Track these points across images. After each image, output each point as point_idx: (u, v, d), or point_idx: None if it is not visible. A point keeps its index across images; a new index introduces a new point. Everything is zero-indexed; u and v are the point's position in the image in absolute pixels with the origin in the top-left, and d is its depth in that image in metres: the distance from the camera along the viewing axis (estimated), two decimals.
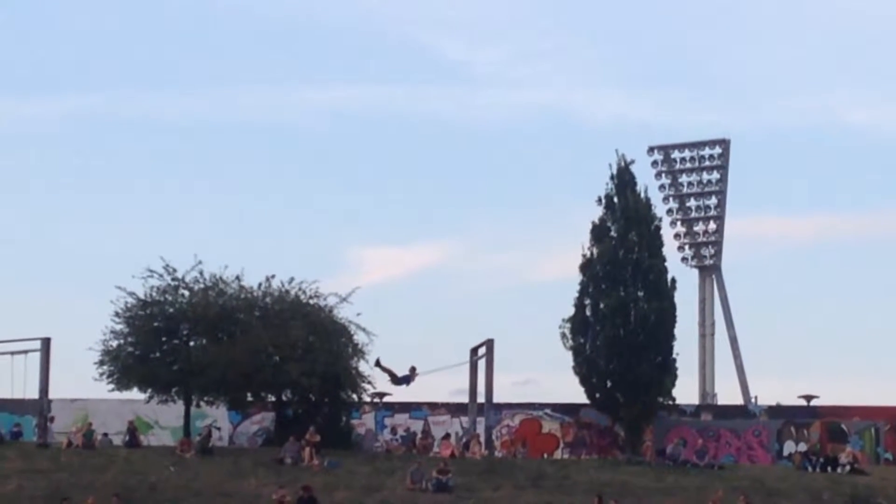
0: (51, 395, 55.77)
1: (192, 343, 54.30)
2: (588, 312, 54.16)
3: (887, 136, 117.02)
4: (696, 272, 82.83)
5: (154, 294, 54.36)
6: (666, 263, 55.08)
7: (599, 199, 55.04)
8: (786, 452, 57.89)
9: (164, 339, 54.17)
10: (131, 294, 54.19)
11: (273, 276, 55.18)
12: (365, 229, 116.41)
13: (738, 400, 75.30)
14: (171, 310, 54.20)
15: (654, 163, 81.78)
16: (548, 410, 60.49)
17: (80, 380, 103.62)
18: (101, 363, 53.70)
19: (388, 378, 51.90)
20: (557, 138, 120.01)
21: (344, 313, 55.01)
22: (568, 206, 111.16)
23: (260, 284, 55.00)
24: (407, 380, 51.70)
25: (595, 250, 54.47)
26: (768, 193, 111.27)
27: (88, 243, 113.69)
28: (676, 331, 54.38)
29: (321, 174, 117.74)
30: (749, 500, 43.93)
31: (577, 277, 54.68)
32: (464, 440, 53.98)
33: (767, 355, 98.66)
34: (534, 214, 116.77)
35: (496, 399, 55.67)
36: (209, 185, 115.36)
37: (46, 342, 54.44)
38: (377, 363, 52.00)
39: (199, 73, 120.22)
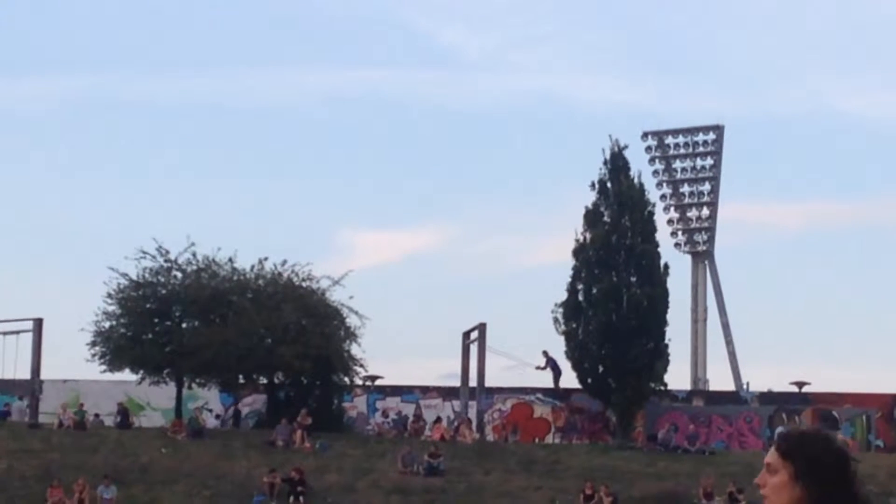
0: (42, 376, 55.76)
1: (184, 325, 54.33)
2: (580, 297, 54.17)
3: (880, 124, 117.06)
4: (688, 258, 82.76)
5: (147, 275, 54.42)
6: (659, 249, 55.13)
7: (593, 184, 55.03)
8: None
9: (156, 320, 54.19)
10: (124, 275, 54.31)
11: (266, 259, 55.34)
12: (358, 213, 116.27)
13: (730, 386, 75.24)
14: (164, 291, 54.24)
15: (648, 148, 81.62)
16: (539, 395, 60.47)
17: (72, 360, 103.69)
18: (94, 344, 53.76)
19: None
20: (551, 123, 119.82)
21: (336, 296, 55.17)
22: (561, 191, 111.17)
23: (253, 267, 55.12)
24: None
25: (588, 235, 54.45)
26: (762, 180, 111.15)
27: (81, 224, 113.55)
28: (669, 316, 54.48)
29: (315, 157, 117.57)
30: (738, 486, 43.98)
31: (570, 262, 54.71)
32: (455, 424, 54.07)
33: (760, 342, 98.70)
34: (527, 199, 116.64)
35: (487, 383, 55.70)
36: (202, 167, 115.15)
37: (38, 323, 54.41)
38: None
39: (193, 55, 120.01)
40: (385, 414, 60.26)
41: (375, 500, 43.85)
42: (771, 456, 4.75)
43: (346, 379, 55.78)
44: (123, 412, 54.10)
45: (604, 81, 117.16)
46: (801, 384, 60.19)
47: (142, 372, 54.26)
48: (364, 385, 59.78)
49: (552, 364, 57.80)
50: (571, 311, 53.99)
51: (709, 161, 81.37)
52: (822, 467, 4.64)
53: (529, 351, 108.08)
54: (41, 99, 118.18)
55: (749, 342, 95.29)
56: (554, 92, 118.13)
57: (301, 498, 43.32)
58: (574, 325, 53.91)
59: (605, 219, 54.56)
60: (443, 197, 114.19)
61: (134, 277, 54.22)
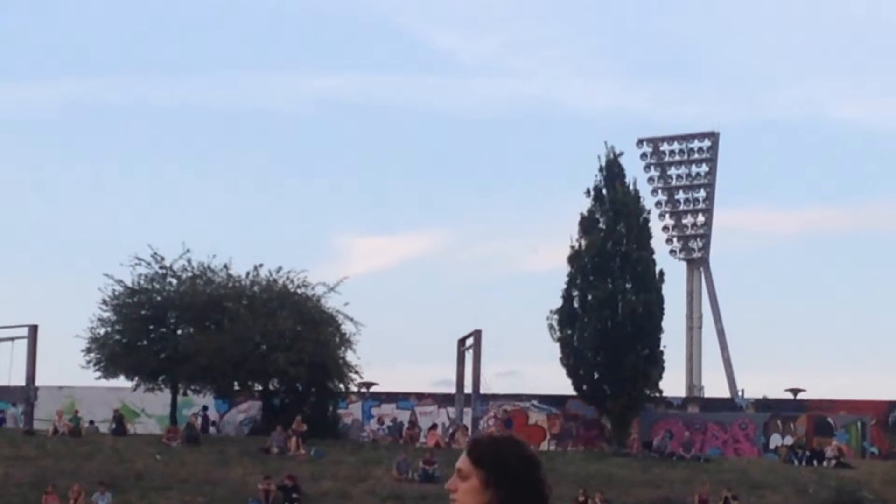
0: (37, 383, 55.71)
1: (179, 331, 54.31)
2: (576, 304, 54.18)
3: (876, 130, 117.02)
4: (683, 265, 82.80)
5: (142, 282, 54.39)
6: (654, 256, 55.16)
7: (588, 191, 55.06)
8: (772, 445, 57.94)
9: (151, 327, 54.16)
10: (119, 282, 54.27)
11: (261, 265, 55.33)
12: (353, 219, 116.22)
13: (725, 393, 75.27)
14: (159, 298, 54.20)
15: (643, 155, 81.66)
16: (535, 402, 60.49)
17: (67, 367, 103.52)
18: (89, 351, 53.71)
19: None
20: (547, 129, 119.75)
21: (331, 303, 55.16)
22: (557, 198, 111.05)
23: (248, 273, 55.10)
24: None
25: (583, 242, 54.48)
26: (757, 187, 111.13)
27: (76, 230, 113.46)
28: (664, 323, 54.54)
29: (310, 163, 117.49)
30: (733, 494, 43.95)
31: (566, 269, 54.72)
32: (450, 431, 54.06)
33: (755, 348, 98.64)
34: (522, 205, 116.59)
35: (482, 390, 55.67)
36: (197, 172, 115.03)
37: (33, 329, 54.36)
38: None
39: (187, 59, 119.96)
40: (380, 420, 60.27)
41: None
42: (462, 462, 4.79)
43: (342, 385, 55.77)
44: (118, 419, 54.06)
45: (599, 87, 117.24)
46: (796, 391, 60.24)
47: (137, 379, 54.22)
48: (359, 392, 59.79)
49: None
50: (567, 317, 54.01)
51: (704, 168, 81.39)
52: (511, 472, 4.72)
53: (527, 353, 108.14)
54: (38, 102, 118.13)
55: (744, 349, 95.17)
56: (549, 98, 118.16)
57: None
58: (569, 332, 53.92)
59: (601, 226, 54.60)
60: (438, 203, 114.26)
61: (129, 284, 54.24)
